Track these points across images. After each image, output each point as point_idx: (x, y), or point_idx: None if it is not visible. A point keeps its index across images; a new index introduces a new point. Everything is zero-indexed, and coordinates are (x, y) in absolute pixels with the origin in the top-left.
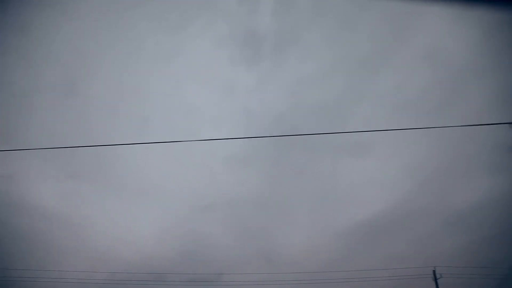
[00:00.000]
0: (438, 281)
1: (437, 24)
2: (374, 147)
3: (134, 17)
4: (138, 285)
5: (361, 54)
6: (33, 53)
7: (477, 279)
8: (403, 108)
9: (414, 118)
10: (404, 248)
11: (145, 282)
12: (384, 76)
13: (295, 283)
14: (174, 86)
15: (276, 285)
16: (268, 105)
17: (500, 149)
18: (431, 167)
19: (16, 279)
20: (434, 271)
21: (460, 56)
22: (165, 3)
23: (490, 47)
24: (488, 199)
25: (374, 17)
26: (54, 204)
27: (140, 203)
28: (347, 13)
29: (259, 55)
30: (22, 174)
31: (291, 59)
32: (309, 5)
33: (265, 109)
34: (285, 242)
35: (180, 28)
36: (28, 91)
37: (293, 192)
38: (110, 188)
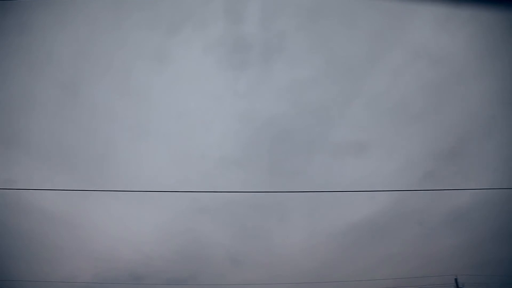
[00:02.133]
0: None
1: (429, 24)
2: (369, 147)
3: (125, 24)
4: (134, 284)
5: (351, 57)
6: (33, 54)
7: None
8: (396, 110)
9: (407, 119)
10: (402, 248)
11: (142, 280)
12: (375, 78)
13: (292, 283)
14: (166, 90)
15: (273, 285)
16: (259, 109)
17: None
18: (428, 167)
19: (13, 279)
20: (456, 280)
21: (454, 56)
22: (154, 10)
23: (485, 47)
24: (488, 197)
25: (364, 19)
26: (51, 204)
27: (137, 203)
28: (336, 16)
29: (249, 61)
30: (22, 175)
31: (281, 64)
32: (296, 11)
33: (256, 113)
34: (281, 243)
35: (170, 35)
36: (29, 93)
37: (288, 192)
38: (106, 187)
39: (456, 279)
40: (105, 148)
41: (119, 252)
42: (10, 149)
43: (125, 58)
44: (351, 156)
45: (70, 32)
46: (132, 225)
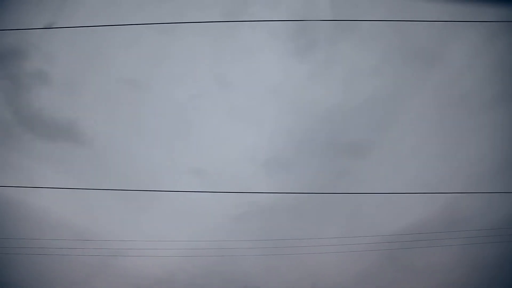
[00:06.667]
0: None
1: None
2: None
3: (129, 17)
4: None
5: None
6: (32, 51)
7: None
8: (459, 102)
9: (469, 113)
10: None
11: None
12: (441, 68)
13: None
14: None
15: None
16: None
17: None
18: (483, 168)
19: None
20: None
21: None
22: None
23: None
24: None
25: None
26: (73, 216)
27: (167, 214)
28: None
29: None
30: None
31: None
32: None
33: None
34: (319, 256)
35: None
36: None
37: (331, 199)
38: (136, 200)
39: None
40: (141, 147)
41: (145, 268)
42: (8, 146)
43: (127, 52)
44: (400, 159)
45: (69, 28)
46: (161, 239)
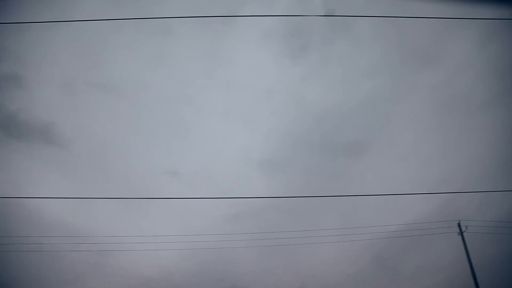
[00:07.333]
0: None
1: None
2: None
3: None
4: None
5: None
6: (33, 54)
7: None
8: (457, 102)
9: (463, 114)
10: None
11: None
12: (439, 68)
13: None
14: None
15: None
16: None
17: None
18: (481, 167)
19: None
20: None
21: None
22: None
23: None
24: None
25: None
26: (70, 218)
27: (162, 216)
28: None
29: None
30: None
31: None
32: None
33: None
34: (313, 255)
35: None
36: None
37: (327, 199)
38: (132, 202)
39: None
40: (138, 149)
41: (140, 268)
42: (12, 156)
43: (125, 55)
44: (395, 159)
45: (69, 32)
46: (156, 239)
